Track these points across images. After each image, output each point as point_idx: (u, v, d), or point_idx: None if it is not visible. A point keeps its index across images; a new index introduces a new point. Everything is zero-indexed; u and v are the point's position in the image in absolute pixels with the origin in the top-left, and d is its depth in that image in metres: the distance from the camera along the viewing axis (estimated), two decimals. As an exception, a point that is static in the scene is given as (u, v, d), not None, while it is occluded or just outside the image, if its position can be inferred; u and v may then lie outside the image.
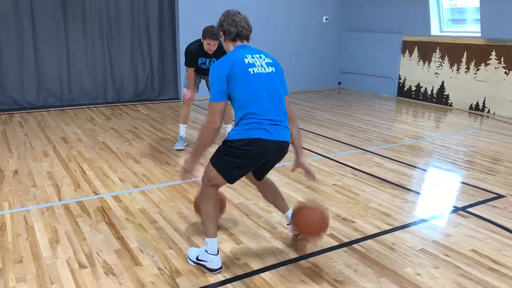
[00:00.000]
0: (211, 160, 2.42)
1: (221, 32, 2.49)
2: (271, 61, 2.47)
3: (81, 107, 7.23)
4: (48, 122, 6.08)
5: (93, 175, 4.00)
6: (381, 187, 3.80)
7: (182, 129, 4.95)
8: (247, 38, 2.49)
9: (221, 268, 2.46)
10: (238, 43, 2.46)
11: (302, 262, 2.58)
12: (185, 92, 4.84)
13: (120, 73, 7.66)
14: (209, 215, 2.44)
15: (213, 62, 4.65)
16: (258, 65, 2.38)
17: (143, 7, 7.62)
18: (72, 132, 5.56)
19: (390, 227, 3.04)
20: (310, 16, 9.14)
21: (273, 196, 2.79)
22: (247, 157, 2.33)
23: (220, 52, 4.51)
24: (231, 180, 2.42)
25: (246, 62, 2.35)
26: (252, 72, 2.34)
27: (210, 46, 4.37)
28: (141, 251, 2.68)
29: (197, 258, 2.49)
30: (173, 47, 7.98)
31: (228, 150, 2.33)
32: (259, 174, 2.65)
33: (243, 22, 2.45)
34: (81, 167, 4.20)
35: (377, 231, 2.99)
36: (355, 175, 4.11)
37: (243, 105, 2.32)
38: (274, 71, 2.44)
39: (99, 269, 2.46)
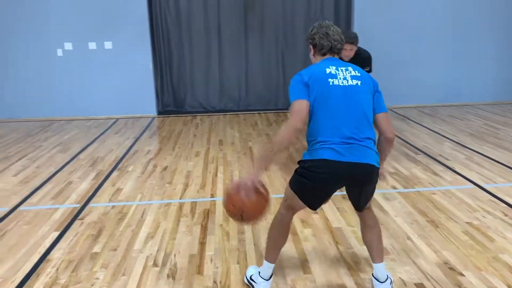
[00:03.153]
0: (290, 179, 2.28)
1: (311, 46, 2.32)
2: (358, 74, 2.19)
3: (252, 112, 7.76)
4: (218, 125, 6.73)
5: (222, 178, 4.25)
6: (534, 236, 2.91)
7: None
8: (338, 52, 2.30)
9: (268, 295, 2.31)
10: (328, 56, 2.28)
11: (361, 310, 2.20)
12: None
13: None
14: (275, 240, 2.33)
15: None
16: (340, 77, 2.15)
17: (320, 17, 7.67)
18: (231, 135, 6.03)
19: (510, 292, 2.31)
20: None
21: (369, 240, 2.33)
22: (318, 180, 2.12)
23: (358, 59, 4.22)
24: (308, 203, 2.22)
25: (328, 72, 2.16)
26: (331, 83, 2.12)
27: (346, 51, 4.12)
28: (211, 260, 2.73)
29: (250, 277, 2.41)
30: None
31: (301, 170, 2.18)
32: (354, 203, 2.32)
33: (337, 35, 2.26)
34: (217, 170, 4.52)
35: (488, 293, 2.31)
36: (506, 215, 3.25)
37: (316, 120, 2.12)
38: (359, 84, 2.15)
39: (165, 271, 2.62)
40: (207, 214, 3.41)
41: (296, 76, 2.19)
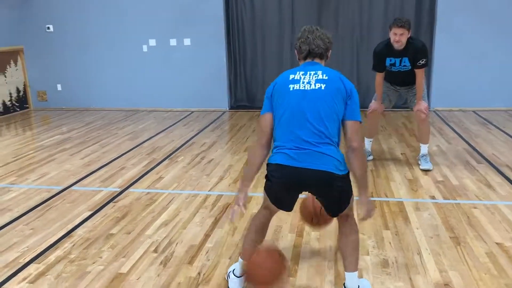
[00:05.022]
0: None
1: (295, 50, 2.33)
2: (325, 78, 2.13)
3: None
4: (281, 121, 6.74)
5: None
6: None
7: (367, 143, 4.58)
8: (320, 56, 2.26)
9: (238, 292, 2.32)
10: (309, 60, 2.27)
11: (326, 321, 2.10)
12: (371, 103, 4.45)
13: (366, 81, 7.58)
14: (251, 237, 2.37)
15: (404, 63, 4.03)
16: (303, 82, 2.15)
17: (399, 14, 7.22)
18: (288, 132, 6.00)
19: (506, 326, 2.02)
20: None
21: (343, 247, 2.25)
22: (275, 183, 2.16)
23: (411, 49, 3.91)
24: (274, 204, 2.25)
25: (291, 78, 2.19)
26: (291, 89, 2.15)
27: (396, 36, 3.85)
28: (206, 252, 2.80)
29: (228, 273, 2.44)
30: (429, 53, 7.25)
31: (267, 173, 2.21)
32: (325, 209, 2.27)
33: (318, 40, 2.23)
34: (257, 166, 4.56)
35: (477, 323, 2.05)
36: (550, 239, 2.82)
37: (276, 125, 2.19)
38: (323, 88, 2.10)
39: (161, 257, 2.76)
40: (226, 208, 3.49)
41: (268, 87, 2.26)
